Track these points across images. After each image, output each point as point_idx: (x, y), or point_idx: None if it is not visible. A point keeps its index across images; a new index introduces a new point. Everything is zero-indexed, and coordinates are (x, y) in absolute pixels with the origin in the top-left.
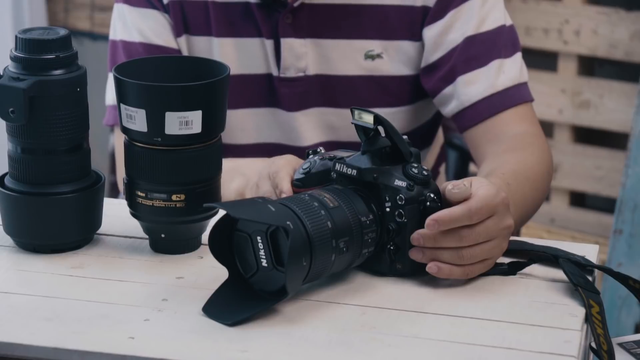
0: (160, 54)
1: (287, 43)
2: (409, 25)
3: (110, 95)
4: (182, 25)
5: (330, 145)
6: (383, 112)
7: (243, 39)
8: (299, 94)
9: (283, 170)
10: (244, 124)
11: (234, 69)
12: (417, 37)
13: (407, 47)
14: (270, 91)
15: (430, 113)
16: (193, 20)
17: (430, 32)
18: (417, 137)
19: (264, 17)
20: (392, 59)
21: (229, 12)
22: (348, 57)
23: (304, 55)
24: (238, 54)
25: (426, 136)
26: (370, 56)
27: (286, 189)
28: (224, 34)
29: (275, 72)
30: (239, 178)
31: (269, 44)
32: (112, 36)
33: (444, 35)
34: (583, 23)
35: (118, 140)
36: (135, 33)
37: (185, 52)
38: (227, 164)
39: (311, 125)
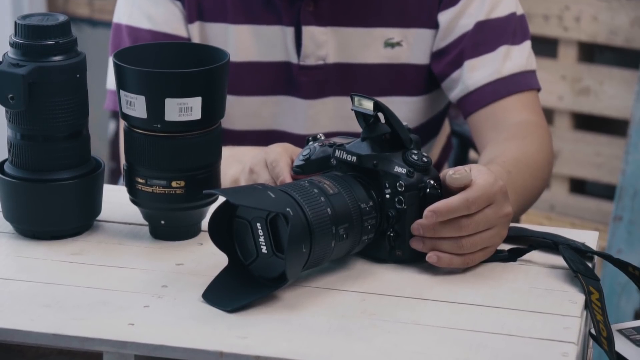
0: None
1: (308, 31)
2: (428, 12)
3: (111, 80)
4: (197, 12)
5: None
6: (401, 101)
7: (262, 26)
8: (318, 82)
9: (282, 160)
10: (259, 110)
11: (251, 56)
12: (434, 24)
13: (425, 34)
14: (288, 79)
15: (443, 103)
16: (208, 6)
17: (443, 18)
18: (430, 127)
19: (285, 4)
20: (411, 47)
21: None
22: (368, 46)
23: (325, 44)
24: (255, 41)
25: (436, 127)
26: (390, 44)
27: (288, 180)
28: (241, 21)
29: (294, 60)
30: (236, 165)
31: (289, 31)
32: (116, 19)
33: (456, 21)
34: (583, 9)
35: (121, 125)
36: (143, 19)
37: (197, 39)
38: (226, 151)
39: (327, 115)
